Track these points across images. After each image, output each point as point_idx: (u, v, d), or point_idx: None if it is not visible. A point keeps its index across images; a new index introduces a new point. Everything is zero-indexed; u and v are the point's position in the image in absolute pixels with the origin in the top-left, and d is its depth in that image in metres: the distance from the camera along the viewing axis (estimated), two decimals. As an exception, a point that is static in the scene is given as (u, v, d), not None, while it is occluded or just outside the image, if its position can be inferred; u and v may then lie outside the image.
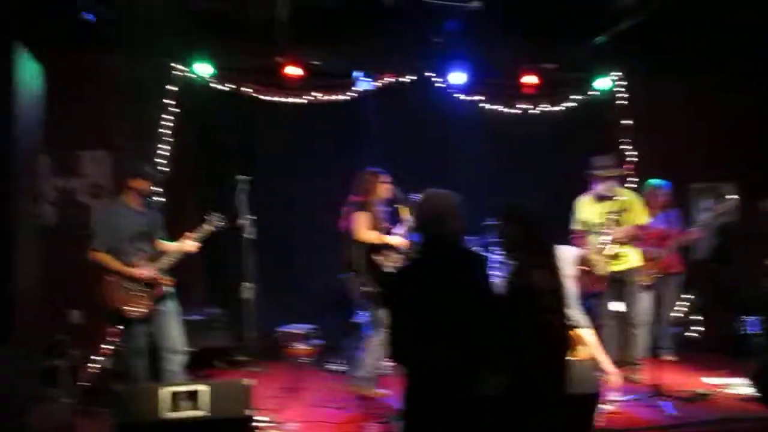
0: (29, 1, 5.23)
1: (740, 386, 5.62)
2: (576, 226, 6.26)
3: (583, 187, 6.33)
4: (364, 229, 5.52)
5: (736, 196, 7.14)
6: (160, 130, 6.94)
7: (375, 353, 5.65)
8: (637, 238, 6.08)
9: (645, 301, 6.26)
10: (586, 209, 6.22)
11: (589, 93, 8.07)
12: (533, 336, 3.09)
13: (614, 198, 6.00)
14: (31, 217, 4.02)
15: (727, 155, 8.03)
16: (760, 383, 5.26)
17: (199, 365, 6.50)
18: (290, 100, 7.38)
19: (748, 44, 7.12)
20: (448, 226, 3.23)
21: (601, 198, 6.12)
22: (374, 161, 7.38)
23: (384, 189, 5.76)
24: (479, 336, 3.00)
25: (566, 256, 4.67)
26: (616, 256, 6.01)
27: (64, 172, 6.85)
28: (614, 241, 5.97)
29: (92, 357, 6.35)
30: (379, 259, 5.59)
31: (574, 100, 8.05)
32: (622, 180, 6.85)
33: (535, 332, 3.12)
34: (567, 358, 3.30)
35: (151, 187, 5.46)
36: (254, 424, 4.50)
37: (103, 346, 6.40)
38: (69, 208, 6.83)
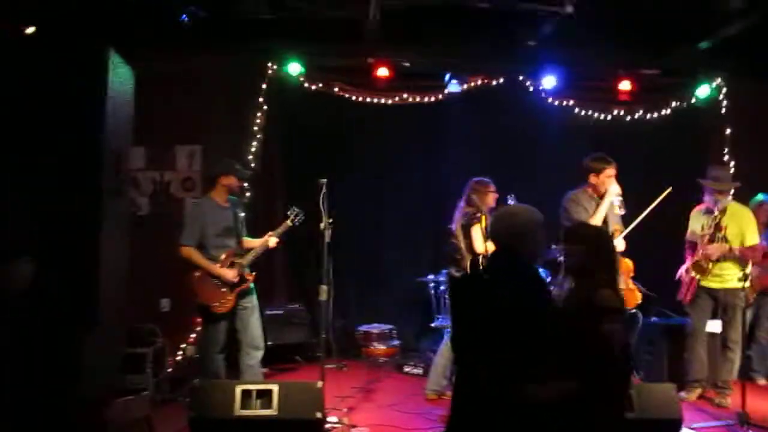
0: (124, 5, 5.47)
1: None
2: (688, 236, 6.05)
3: (695, 198, 6.10)
4: (480, 241, 5.48)
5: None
6: (252, 127, 7.08)
7: (447, 357, 5.64)
8: (733, 258, 5.75)
9: (740, 322, 5.91)
10: (695, 220, 6.02)
11: (690, 101, 7.69)
12: (593, 355, 3.00)
13: (717, 212, 5.73)
14: (121, 208, 4.18)
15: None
16: None
17: (278, 360, 6.68)
18: (379, 100, 7.39)
19: None
20: (526, 244, 3.13)
21: (710, 211, 5.86)
22: (461, 164, 7.38)
23: (492, 198, 5.71)
24: (529, 349, 2.91)
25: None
26: (707, 271, 5.74)
27: (159, 166, 7.10)
28: (705, 257, 5.70)
29: (180, 346, 6.63)
30: None
31: (673, 108, 7.70)
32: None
33: (596, 351, 3.03)
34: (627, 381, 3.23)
35: (241, 186, 5.59)
36: (324, 426, 4.56)
37: (189, 336, 6.67)
38: (163, 200, 7.08)
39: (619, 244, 5.41)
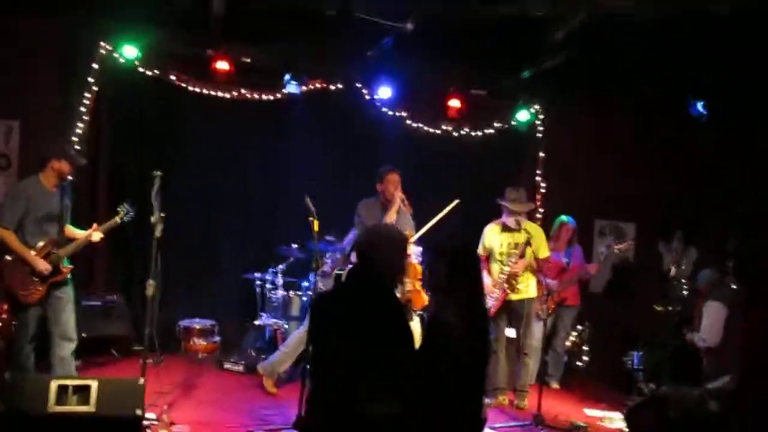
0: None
1: (616, 420, 5.94)
2: (480, 251, 6.45)
3: (493, 214, 6.53)
4: None
5: (631, 239, 7.61)
6: (79, 108, 6.73)
7: (292, 349, 5.87)
8: (537, 270, 6.30)
9: (538, 331, 6.49)
10: (493, 237, 6.41)
11: (511, 123, 8.30)
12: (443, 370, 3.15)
13: (520, 230, 6.17)
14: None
15: (633, 196, 8.40)
16: (631, 420, 5.57)
17: (93, 352, 6.42)
18: (217, 94, 7.29)
19: (664, 85, 7.54)
20: (393, 259, 3.26)
21: (508, 228, 6.32)
22: (298, 164, 7.49)
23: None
24: (379, 362, 3.05)
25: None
26: (513, 286, 6.23)
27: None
28: (512, 273, 6.19)
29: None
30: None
31: (495, 128, 8.27)
32: (531, 212, 7.10)
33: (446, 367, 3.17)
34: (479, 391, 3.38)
35: (72, 172, 5.31)
36: (143, 423, 4.48)
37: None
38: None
39: (410, 249, 5.76)
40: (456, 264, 3.31)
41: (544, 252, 6.40)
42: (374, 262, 3.21)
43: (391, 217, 5.85)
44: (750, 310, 6.00)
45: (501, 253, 6.31)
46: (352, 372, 3.01)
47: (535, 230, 6.42)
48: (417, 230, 6.06)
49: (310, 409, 3.22)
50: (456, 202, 6.20)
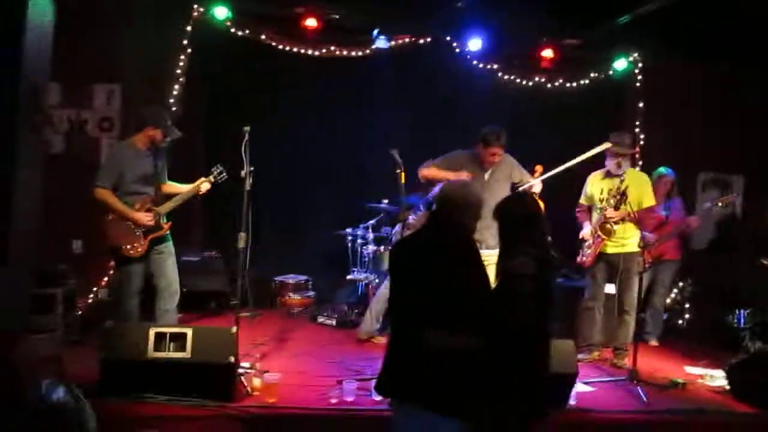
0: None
1: (717, 378, 5.69)
2: (582, 201, 6.26)
3: (596, 166, 6.27)
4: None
5: (737, 192, 7.18)
6: (175, 70, 6.93)
7: (382, 302, 5.96)
8: (637, 221, 6.00)
9: (636, 287, 6.23)
10: (594, 185, 6.16)
11: (608, 73, 7.97)
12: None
13: (622, 176, 5.90)
14: (36, 146, 4.08)
15: (739, 148, 7.95)
16: (734, 377, 5.34)
17: (192, 306, 6.68)
18: (306, 51, 7.34)
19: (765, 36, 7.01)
20: (465, 218, 3.39)
21: (610, 175, 6.05)
22: (386, 120, 7.47)
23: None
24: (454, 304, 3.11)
25: None
26: (609, 236, 5.95)
27: (76, 104, 6.88)
28: (606, 221, 5.94)
29: (92, 288, 6.54)
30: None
31: (591, 79, 7.96)
32: (633, 160, 6.80)
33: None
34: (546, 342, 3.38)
35: (164, 140, 5.49)
36: (237, 370, 4.64)
37: (102, 279, 6.59)
38: (78, 140, 6.88)
39: (537, 184, 5.67)
40: (502, 221, 3.41)
41: (649, 201, 6.06)
42: (450, 217, 3.35)
43: (489, 175, 5.70)
44: None
45: (601, 200, 6.05)
46: (423, 310, 3.10)
47: (639, 177, 6.12)
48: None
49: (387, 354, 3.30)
50: (607, 145, 5.89)
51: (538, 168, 5.70)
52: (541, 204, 5.56)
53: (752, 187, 8.09)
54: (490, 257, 5.36)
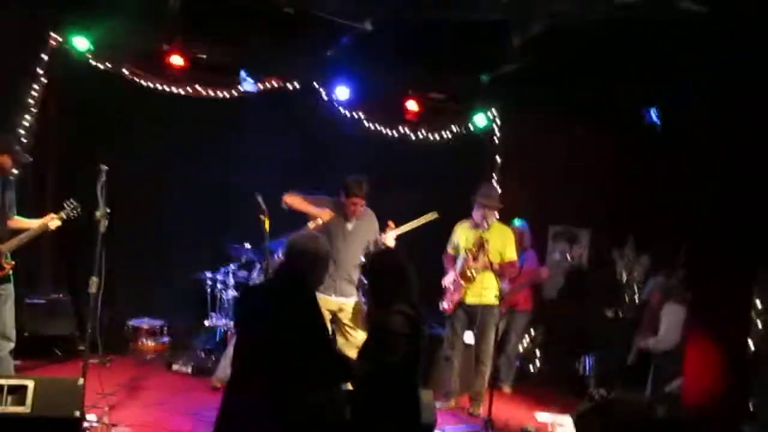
0: None
1: (566, 426, 5.95)
2: (449, 249, 6.40)
3: (452, 218, 6.44)
4: None
5: (584, 243, 7.65)
6: (27, 99, 6.55)
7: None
8: (494, 272, 6.17)
9: (493, 338, 6.40)
10: (460, 234, 6.32)
11: (469, 127, 8.31)
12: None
13: (488, 228, 6.07)
14: None
15: (586, 203, 8.46)
16: (580, 426, 5.60)
17: (36, 352, 6.23)
18: (170, 89, 7.15)
19: (620, 93, 7.57)
20: (315, 272, 3.53)
21: (476, 226, 6.22)
22: (252, 162, 7.37)
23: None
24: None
25: None
26: (468, 282, 6.12)
27: None
28: (467, 270, 6.11)
29: None
30: None
31: (453, 132, 8.28)
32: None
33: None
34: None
35: (13, 167, 5.15)
36: (82, 425, 4.35)
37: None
38: None
39: (390, 240, 5.66)
40: (375, 275, 3.57)
41: (511, 254, 6.29)
42: (297, 269, 3.48)
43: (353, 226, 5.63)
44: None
45: (465, 249, 6.22)
46: (269, 361, 3.22)
47: (503, 231, 6.32)
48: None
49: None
50: (433, 215, 5.88)
51: (391, 224, 5.71)
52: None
53: (598, 240, 8.62)
54: (344, 304, 5.45)
